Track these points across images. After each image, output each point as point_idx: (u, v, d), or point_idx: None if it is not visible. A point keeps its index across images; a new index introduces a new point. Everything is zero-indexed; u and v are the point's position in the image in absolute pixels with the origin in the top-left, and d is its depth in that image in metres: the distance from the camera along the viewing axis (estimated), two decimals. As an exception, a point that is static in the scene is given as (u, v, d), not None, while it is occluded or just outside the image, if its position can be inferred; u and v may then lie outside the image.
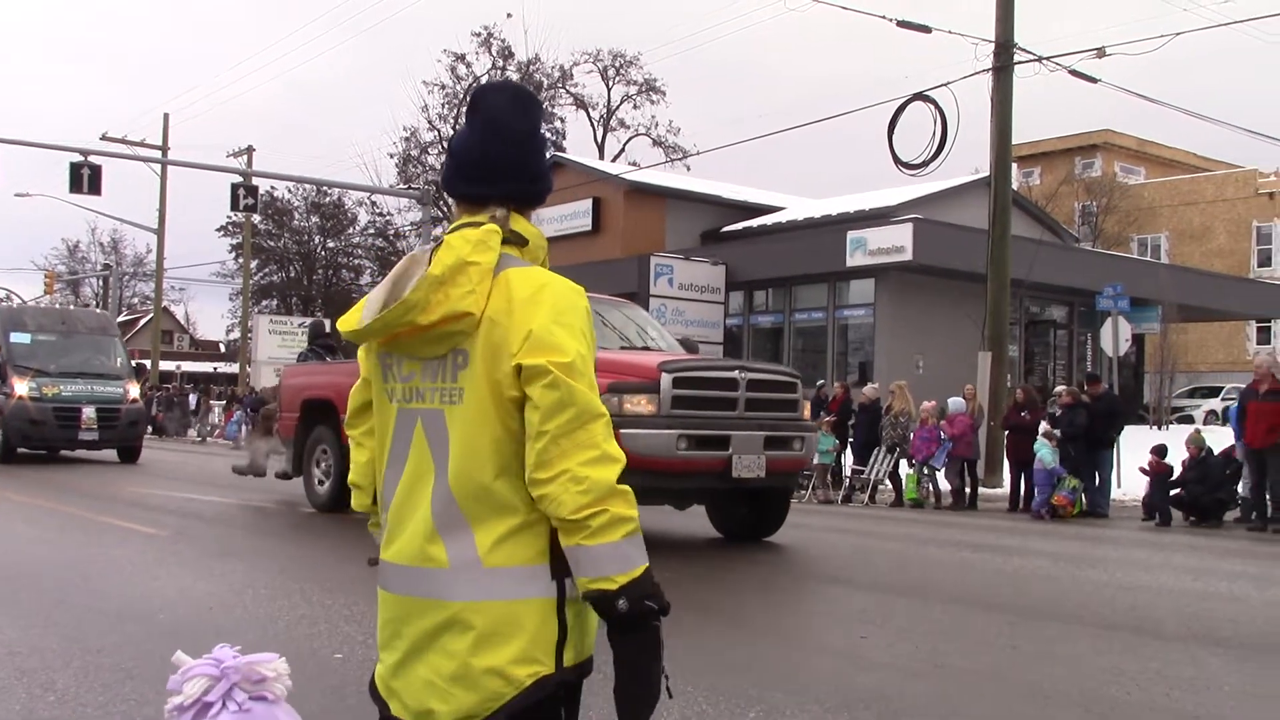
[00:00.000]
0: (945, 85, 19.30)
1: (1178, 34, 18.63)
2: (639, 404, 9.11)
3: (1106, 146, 51.47)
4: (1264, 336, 43.33)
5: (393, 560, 2.18)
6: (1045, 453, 15.20)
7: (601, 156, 52.60)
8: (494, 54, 53.64)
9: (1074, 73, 19.73)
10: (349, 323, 2.21)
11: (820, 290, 29.85)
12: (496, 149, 2.24)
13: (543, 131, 2.36)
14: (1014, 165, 23.46)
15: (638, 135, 56.42)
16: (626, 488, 2.06)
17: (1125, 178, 49.68)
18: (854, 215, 31.34)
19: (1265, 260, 45.68)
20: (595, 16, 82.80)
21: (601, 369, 9.03)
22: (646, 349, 11.04)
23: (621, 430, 8.48)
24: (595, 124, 56.67)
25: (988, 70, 18.89)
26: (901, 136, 20.12)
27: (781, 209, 37.11)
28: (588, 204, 36.12)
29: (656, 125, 56.19)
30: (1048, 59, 19.47)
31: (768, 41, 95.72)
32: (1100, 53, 19.18)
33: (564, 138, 54.97)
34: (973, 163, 35.68)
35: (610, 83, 55.80)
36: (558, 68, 55.43)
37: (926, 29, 20.00)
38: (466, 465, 2.09)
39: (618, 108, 56.49)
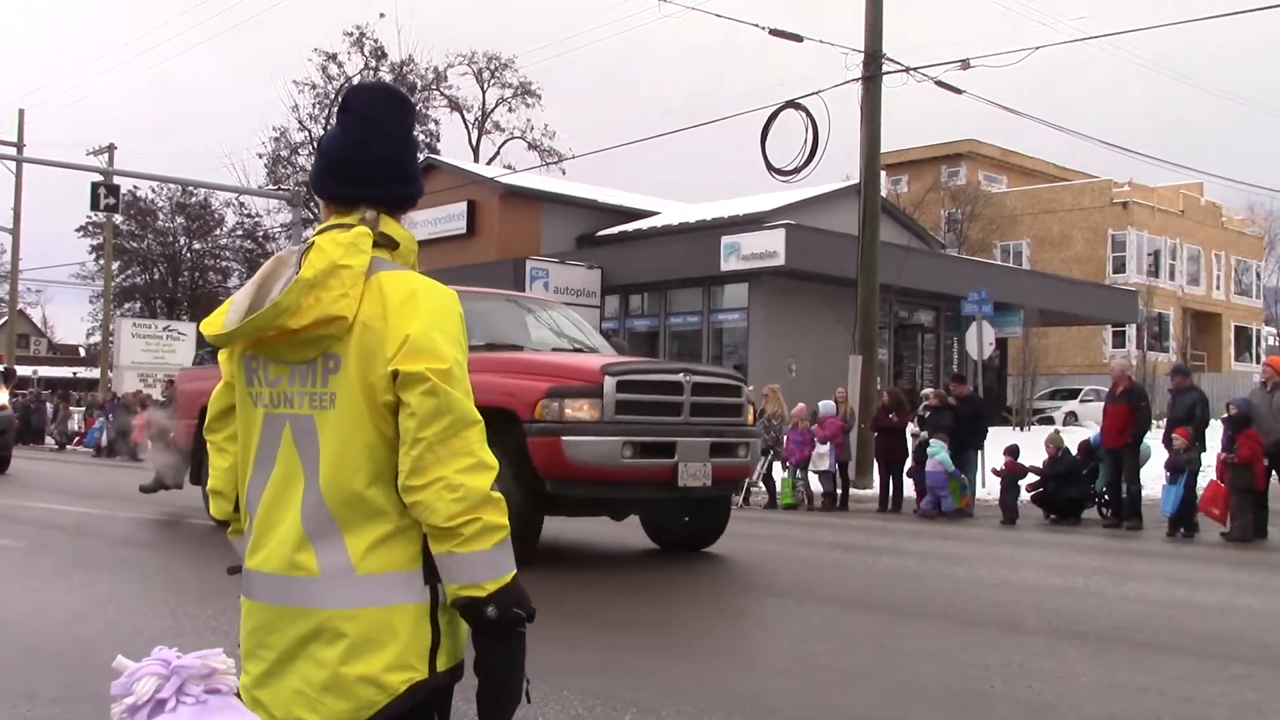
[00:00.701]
0: (817, 94, 19.66)
1: (1037, 48, 19.25)
2: (581, 409, 8.56)
3: (971, 156, 52.92)
4: (1119, 340, 44.96)
5: (259, 568, 2.13)
6: (943, 454, 15.43)
7: (476, 159, 52.26)
8: (366, 54, 53.00)
9: (940, 83, 20.26)
10: (213, 326, 2.15)
11: (695, 294, 30.11)
12: (368, 150, 2.21)
13: (415, 134, 2.34)
14: (883, 173, 23.97)
15: (513, 138, 56.29)
16: (499, 495, 2.06)
17: (988, 186, 51.13)
18: (728, 220, 31.71)
19: (1120, 267, 47.48)
20: (470, 19, 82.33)
21: (540, 371, 8.76)
22: (579, 350, 10.43)
23: (563, 438, 8.34)
24: (470, 127, 56.35)
25: (857, 80, 19.27)
26: (774, 143, 20.43)
27: (657, 214, 37.34)
28: (462, 207, 35.87)
29: (532, 129, 56.11)
30: (915, 70, 19.96)
31: (644, 47, 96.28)
32: (965, 65, 19.74)
33: (438, 140, 54.48)
34: (844, 170, 36.33)
35: (485, 85, 55.55)
36: (432, 69, 55.02)
37: (798, 38, 20.33)
38: (339, 471, 2.06)
39: (493, 110, 56.27)
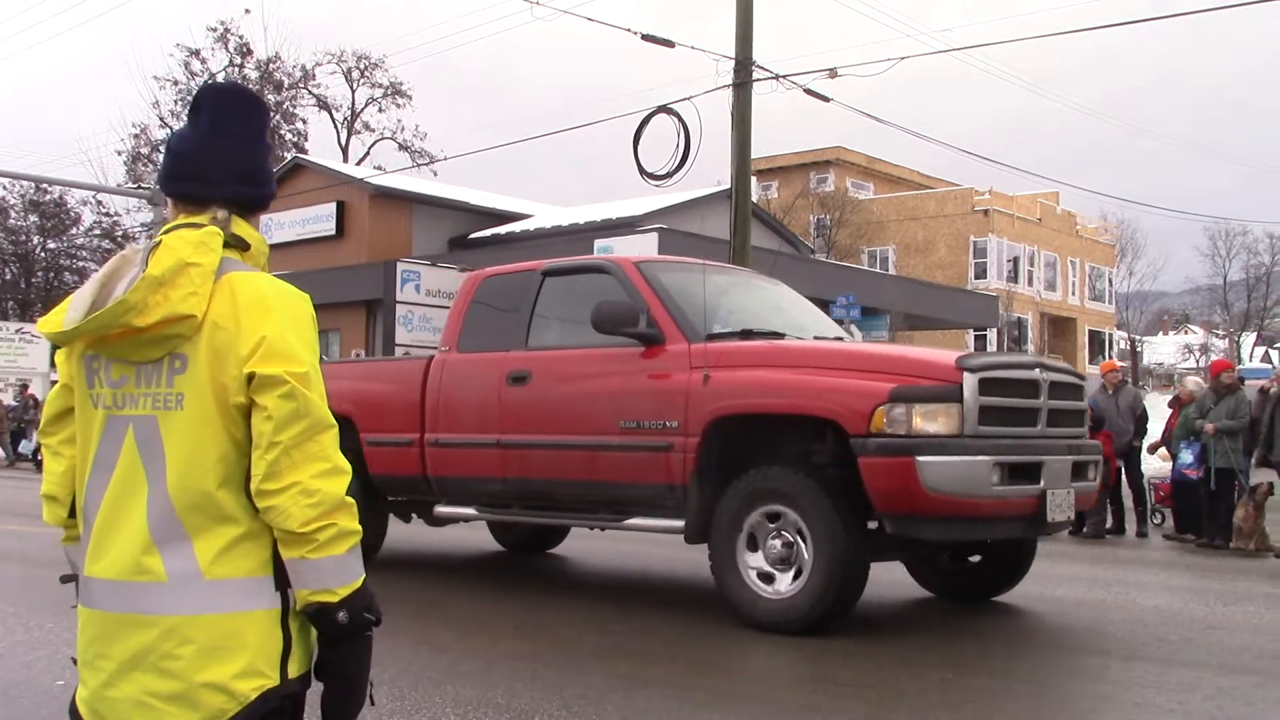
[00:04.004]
0: (688, 99, 19.83)
1: (903, 58, 19.74)
2: (936, 418, 6.33)
3: (839, 163, 53.99)
4: (980, 344, 46.32)
5: (101, 575, 2.07)
6: None
7: (346, 160, 51.42)
8: (231, 50, 51.69)
9: (809, 91, 20.60)
10: (52, 324, 2.08)
11: (568, 298, 29.96)
12: (220, 150, 2.19)
13: (269, 136, 2.33)
14: (754, 179, 24.29)
15: (383, 139, 55.52)
16: (352, 500, 2.06)
17: (856, 193, 52.25)
18: (601, 224, 31.77)
19: (981, 273, 48.94)
20: (339, 17, 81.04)
21: (869, 366, 6.62)
22: (838, 339, 8.15)
23: (918, 458, 6.17)
24: (339, 126, 55.40)
25: (728, 86, 19.50)
26: (646, 148, 20.51)
27: (530, 216, 37.23)
28: (331, 208, 35.26)
29: (403, 129, 55.40)
30: (784, 77, 20.26)
31: (519, 51, 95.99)
32: (832, 73, 20.13)
33: (306, 140, 53.47)
34: (715, 175, 36.73)
35: (355, 85, 54.66)
36: (299, 67, 53.85)
37: (670, 43, 20.48)
38: (187, 474, 2.02)
39: (362, 110, 55.42)
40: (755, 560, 6.75)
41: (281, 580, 2.05)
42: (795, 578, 6.59)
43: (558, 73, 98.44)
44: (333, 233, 35.15)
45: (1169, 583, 9.63)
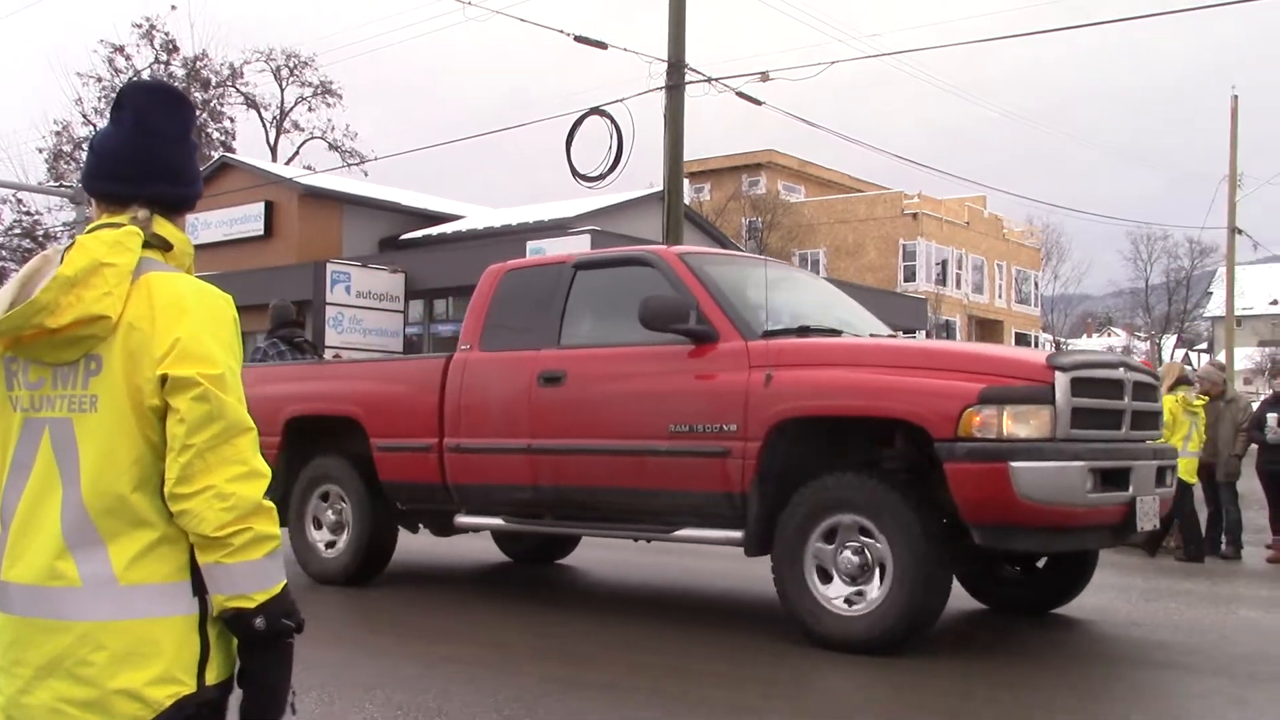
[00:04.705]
0: (621, 101, 19.84)
1: (833, 62, 19.87)
2: (1029, 421, 5.92)
3: (770, 166, 54.35)
4: (910, 346, 46.86)
5: (16, 580, 2.03)
6: None
7: (275, 159, 50.76)
8: (156, 47, 50.75)
9: (741, 94, 20.72)
10: None
11: (501, 299, 29.88)
12: (143, 148, 2.16)
13: (195, 134, 2.30)
14: (686, 181, 24.36)
15: (313, 138, 54.88)
16: (271, 504, 2.03)
17: (787, 196, 52.61)
18: (533, 226, 31.68)
19: (910, 275, 49.50)
20: (268, 15, 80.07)
21: (953, 366, 6.20)
22: (893, 336, 7.95)
23: (1012, 464, 5.77)
24: (268, 125, 54.69)
25: (661, 88, 19.54)
26: (579, 150, 20.49)
27: (462, 217, 37.05)
28: (259, 208, 34.82)
29: (333, 129, 54.81)
30: (716, 80, 20.35)
31: (452, 51, 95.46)
32: (764, 76, 20.23)
33: (234, 138, 52.66)
34: (648, 177, 36.79)
35: (284, 84, 53.95)
36: (227, 65, 53.01)
37: (603, 45, 20.48)
38: (101, 477, 1.99)
39: (292, 109, 54.75)
40: (824, 573, 6.29)
41: (199, 586, 2.02)
42: (870, 591, 6.13)
43: (491, 74, 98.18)
44: (261, 233, 34.72)
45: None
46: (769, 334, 6.74)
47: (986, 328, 53.89)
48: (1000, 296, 55.59)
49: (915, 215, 49.81)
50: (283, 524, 8.97)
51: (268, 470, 2.04)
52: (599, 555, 10.30)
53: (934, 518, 6.11)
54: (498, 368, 7.69)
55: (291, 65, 53.29)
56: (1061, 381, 5.96)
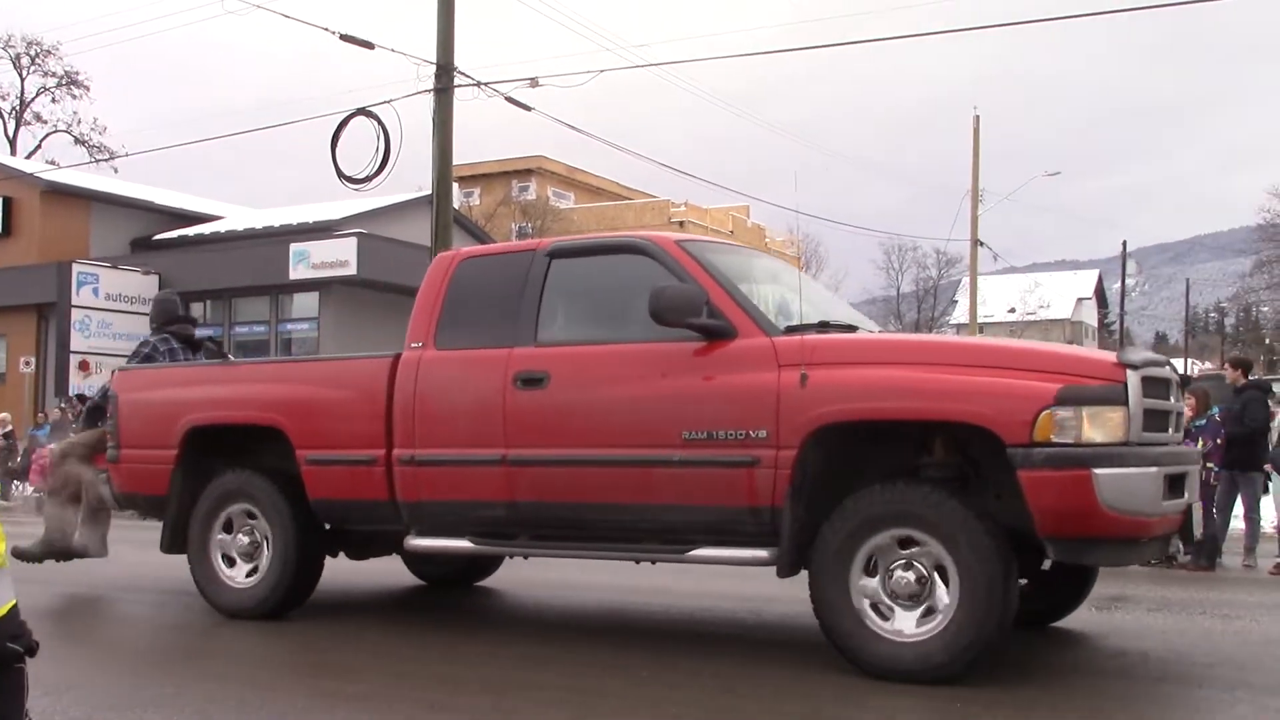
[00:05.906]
0: (388, 102, 19.55)
1: (602, 71, 20.18)
2: (1105, 424, 5.37)
3: (540, 171, 54.61)
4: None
5: None
6: None
7: (14, 153, 47.77)
8: (-122, 28, 47.08)
9: (510, 99, 20.71)
10: None
11: (262, 303, 29.07)
12: None
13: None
14: (455, 185, 24.20)
15: (57, 131, 51.91)
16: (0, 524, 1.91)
17: (557, 202, 53.00)
18: (297, 228, 30.87)
19: (677, 282, 50.60)
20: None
21: (1019, 364, 5.60)
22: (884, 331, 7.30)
23: (1095, 471, 5.24)
24: (6, 117, 51.43)
25: (429, 91, 19.36)
26: (345, 151, 20.10)
27: (221, 218, 35.70)
28: (-3, 204, 32.73)
29: (79, 122, 51.98)
30: (486, 84, 20.29)
31: (212, 45, 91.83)
32: (534, 82, 20.31)
33: (-33, 130, 49.31)
34: (417, 180, 36.40)
35: (24, 72, 50.86)
36: (-42, 51, 49.66)
37: (370, 45, 20.13)
38: None
39: (33, 100, 51.64)
40: (873, 594, 5.58)
41: None
42: (929, 615, 5.49)
43: (254, 69, 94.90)
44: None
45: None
46: (791, 329, 6.06)
47: (750, 334, 55.55)
48: (763, 303, 57.39)
49: (682, 223, 50.95)
50: (177, 549, 7.76)
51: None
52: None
53: (1003, 528, 5.50)
54: (461, 369, 6.77)
55: (33, 53, 50.29)
56: (1134, 381, 5.45)
